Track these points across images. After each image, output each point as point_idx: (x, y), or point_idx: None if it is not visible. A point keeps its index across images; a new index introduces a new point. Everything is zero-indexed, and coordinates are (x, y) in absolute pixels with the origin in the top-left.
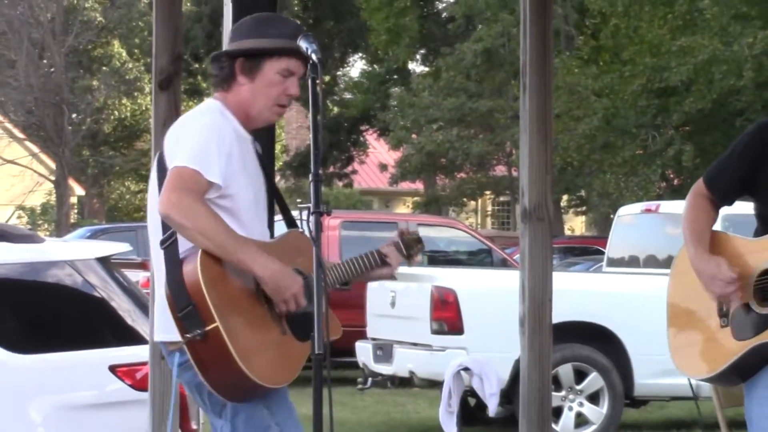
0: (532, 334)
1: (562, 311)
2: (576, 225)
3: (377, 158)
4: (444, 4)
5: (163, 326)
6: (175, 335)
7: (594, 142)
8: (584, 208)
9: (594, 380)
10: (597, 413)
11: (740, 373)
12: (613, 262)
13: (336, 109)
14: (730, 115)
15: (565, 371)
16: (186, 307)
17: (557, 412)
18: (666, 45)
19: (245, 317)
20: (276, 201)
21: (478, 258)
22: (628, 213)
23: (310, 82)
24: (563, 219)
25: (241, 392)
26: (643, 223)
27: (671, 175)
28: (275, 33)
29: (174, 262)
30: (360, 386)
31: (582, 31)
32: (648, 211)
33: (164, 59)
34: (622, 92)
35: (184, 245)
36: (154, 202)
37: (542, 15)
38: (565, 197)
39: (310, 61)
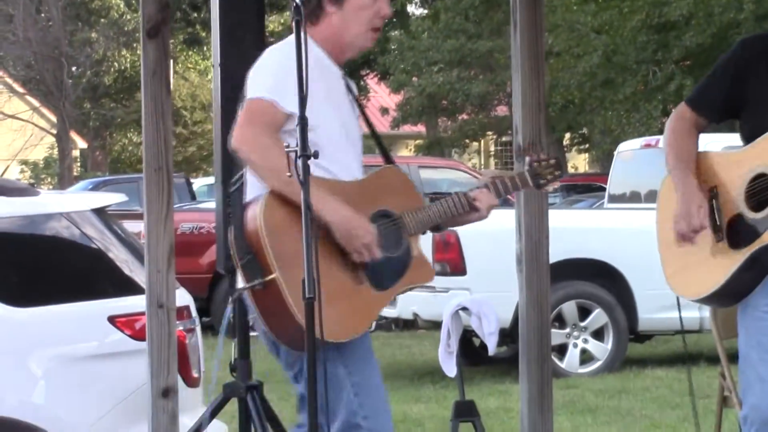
0: (529, 272)
1: (564, 249)
2: (579, 162)
3: (378, 102)
4: None
5: None
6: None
7: (594, 80)
8: (587, 145)
9: (598, 316)
10: (602, 349)
11: (739, 287)
12: (614, 199)
13: None
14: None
15: (569, 308)
16: (246, 255)
17: (562, 349)
18: None
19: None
20: (373, 137)
21: None
22: (628, 149)
23: (294, 24)
24: (566, 157)
25: (298, 341)
26: (644, 159)
27: (672, 110)
28: None
29: (237, 207)
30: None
31: None
32: (648, 146)
33: (152, 7)
34: (621, 28)
35: (251, 189)
36: None
37: None
38: (567, 135)
39: (294, 3)
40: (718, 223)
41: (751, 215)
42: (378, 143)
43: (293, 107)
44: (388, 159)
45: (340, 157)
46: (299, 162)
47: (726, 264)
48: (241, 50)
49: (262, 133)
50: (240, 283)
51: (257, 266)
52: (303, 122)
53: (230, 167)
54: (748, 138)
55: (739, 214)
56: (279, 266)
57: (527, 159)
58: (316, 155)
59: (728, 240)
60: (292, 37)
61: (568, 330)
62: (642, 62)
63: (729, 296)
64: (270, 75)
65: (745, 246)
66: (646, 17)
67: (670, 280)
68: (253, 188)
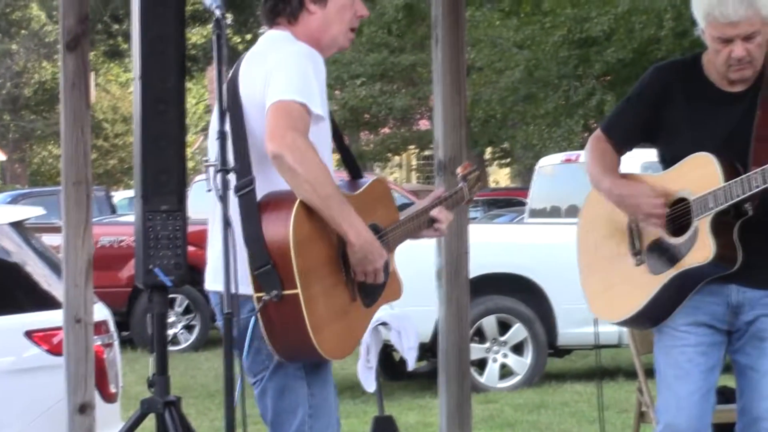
0: (449, 287)
1: (484, 263)
2: (500, 177)
3: None
4: None
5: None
6: (241, 287)
7: (516, 94)
8: (508, 160)
9: (517, 331)
10: (521, 364)
11: (658, 311)
12: (534, 213)
13: None
14: (651, 65)
15: (489, 323)
16: (264, 265)
17: (481, 364)
18: None
19: (323, 284)
20: (335, 141)
21: None
22: (548, 164)
23: (214, 38)
24: (487, 171)
25: (299, 356)
26: (564, 174)
27: (594, 126)
28: None
29: (251, 213)
30: None
31: None
32: (568, 161)
33: (71, 20)
34: (543, 43)
35: (263, 189)
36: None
37: None
38: (489, 149)
39: (215, 18)
40: (638, 247)
41: (671, 240)
42: (341, 151)
43: (318, 108)
44: (356, 168)
45: (328, 156)
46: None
47: (646, 288)
48: (163, 63)
49: (305, 141)
50: (247, 289)
51: (275, 277)
52: (222, 136)
53: (151, 181)
54: (667, 162)
55: (659, 239)
56: (301, 282)
57: (460, 173)
58: (235, 169)
59: (648, 264)
60: (285, 36)
61: (487, 345)
62: (563, 77)
63: (648, 320)
64: (299, 75)
65: (665, 270)
66: (567, 33)
67: (591, 303)
68: (265, 191)
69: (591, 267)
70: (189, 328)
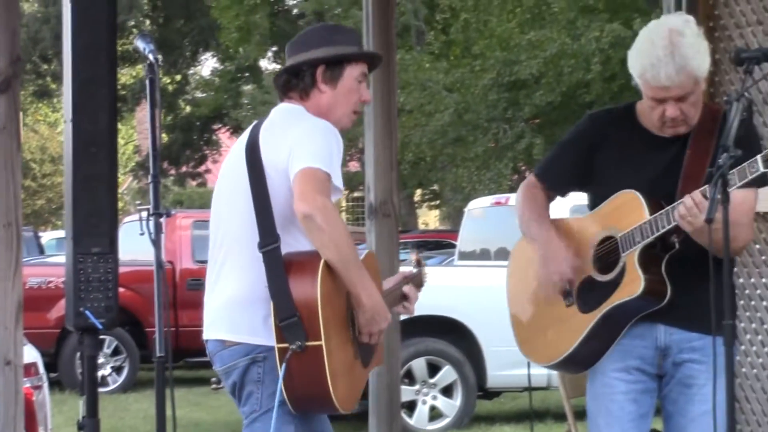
0: None
1: (414, 305)
2: (430, 219)
3: None
4: (294, 1)
5: (230, 325)
6: (244, 335)
7: (446, 137)
8: (438, 202)
9: (447, 373)
10: (451, 406)
11: (589, 353)
12: (464, 256)
13: (188, 108)
14: (579, 108)
15: (419, 365)
16: (290, 317)
17: (411, 406)
18: (515, 39)
19: (339, 338)
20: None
21: None
22: (478, 206)
23: (148, 82)
24: (417, 213)
25: (312, 406)
26: (494, 216)
27: (523, 168)
28: (347, 40)
29: (276, 268)
30: (214, 386)
31: (432, 26)
32: (498, 204)
33: (3, 61)
34: (472, 86)
35: (289, 247)
36: (242, 194)
37: (385, 12)
38: (418, 191)
39: (148, 62)
40: (567, 287)
41: (599, 278)
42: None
43: (339, 182)
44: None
45: None
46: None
47: (576, 328)
48: (94, 105)
49: (332, 204)
50: (269, 340)
51: (301, 330)
52: (156, 180)
53: (82, 223)
54: (595, 206)
55: (588, 277)
56: (325, 334)
57: (414, 259)
58: (169, 213)
59: (578, 304)
60: (303, 111)
61: (417, 387)
62: (493, 120)
63: (579, 363)
64: (324, 147)
65: (596, 308)
66: (497, 76)
67: (522, 345)
68: (288, 248)
69: (521, 310)
70: (118, 369)
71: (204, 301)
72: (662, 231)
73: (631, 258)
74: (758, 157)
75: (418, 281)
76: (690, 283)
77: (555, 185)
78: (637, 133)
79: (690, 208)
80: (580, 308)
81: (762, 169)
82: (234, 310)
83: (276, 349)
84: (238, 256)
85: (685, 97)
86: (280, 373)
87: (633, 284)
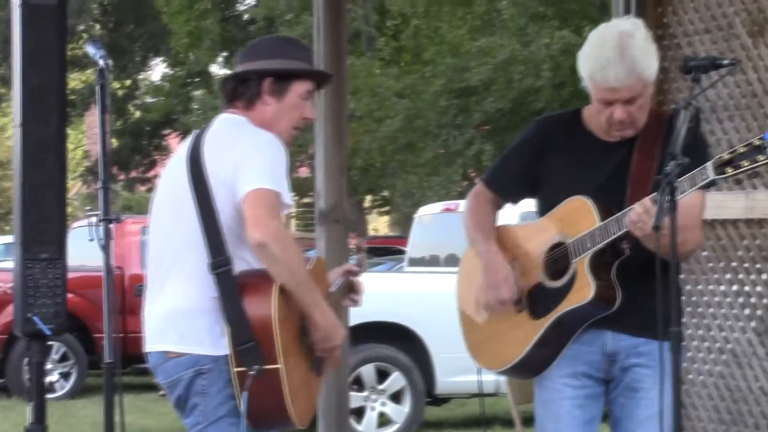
0: None
1: (363, 312)
2: (379, 225)
3: None
4: (245, 7)
5: (173, 336)
6: (189, 346)
7: (396, 143)
8: (387, 208)
9: (396, 380)
10: (399, 412)
11: (538, 359)
12: (414, 262)
13: (138, 114)
14: (530, 115)
15: (368, 371)
16: (247, 342)
17: (360, 412)
18: (466, 45)
19: (295, 358)
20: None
21: None
22: (428, 212)
23: (98, 88)
24: (367, 219)
25: (270, 424)
26: (444, 223)
27: (472, 174)
28: (298, 55)
29: (230, 291)
30: (162, 393)
31: (383, 32)
32: (448, 210)
33: None
34: (423, 92)
35: (239, 267)
36: (185, 206)
37: (336, 19)
38: (368, 198)
39: (98, 67)
40: (518, 293)
41: (550, 283)
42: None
43: (289, 199)
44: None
45: None
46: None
47: (527, 334)
48: (44, 111)
49: (285, 230)
50: (214, 350)
51: (258, 354)
52: (105, 186)
53: (31, 229)
54: (544, 212)
55: (538, 284)
56: (283, 358)
57: (354, 245)
58: (119, 219)
59: (529, 310)
60: (244, 121)
61: (366, 393)
62: (443, 127)
63: (529, 369)
64: (271, 164)
65: (546, 314)
66: (447, 82)
67: (472, 351)
68: (240, 269)
69: (472, 317)
70: (65, 375)
71: (144, 311)
72: (612, 237)
73: (581, 264)
74: (708, 164)
75: (361, 267)
76: (638, 289)
77: (503, 192)
78: (584, 138)
79: (640, 215)
80: (530, 314)
81: (712, 176)
82: (178, 320)
83: (234, 372)
84: (182, 267)
85: (634, 99)
86: (244, 400)
87: (583, 290)
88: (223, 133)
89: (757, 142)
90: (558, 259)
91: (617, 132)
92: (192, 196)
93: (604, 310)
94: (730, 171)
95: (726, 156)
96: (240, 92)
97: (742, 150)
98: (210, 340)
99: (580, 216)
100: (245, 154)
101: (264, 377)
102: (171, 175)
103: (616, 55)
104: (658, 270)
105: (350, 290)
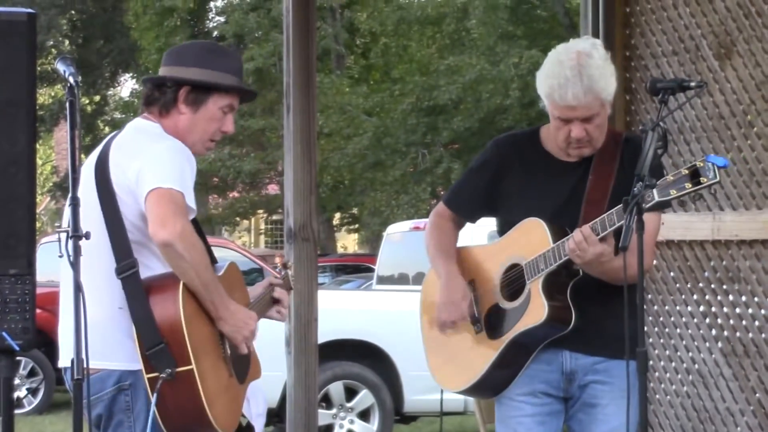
0: (297, 353)
1: (332, 329)
2: (348, 243)
3: None
4: (214, 24)
5: (99, 351)
6: (104, 361)
7: (365, 161)
8: (356, 225)
9: (364, 397)
10: (368, 430)
11: (498, 378)
12: (382, 280)
13: (107, 129)
14: (498, 133)
15: (336, 389)
16: (157, 344)
17: (329, 430)
18: (435, 64)
19: (210, 358)
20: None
21: (250, 277)
22: (396, 231)
23: (68, 104)
24: (335, 237)
25: (188, 431)
26: (412, 241)
27: (441, 193)
28: (223, 67)
29: (137, 295)
30: None
31: (352, 50)
32: (417, 228)
33: None
34: (392, 111)
35: (143, 274)
36: (92, 211)
37: (305, 37)
38: (337, 215)
39: (68, 84)
40: (476, 314)
41: (506, 305)
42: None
43: (192, 203)
44: (211, 254)
45: None
46: (71, 242)
47: (485, 355)
48: (12, 127)
49: (191, 229)
50: (132, 363)
51: (169, 356)
52: (75, 202)
53: None
54: (504, 231)
55: (496, 305)
56: (195, 358)
57: (279, 263)
58: (87, 236)
59: (487, 331)
60: (155, 127)
61: (334, 410)
62: (411, 145)
63: (488, 388)
64: (175, 167)
65: (502, 335)
66: (416, 100)
67: (434, 372)
68: (147, 272)
69: (433, 337)
70: (33, 391)
71: (58, 325)
72: (564, 259)
73: (535, 285)
74: (654, 190)
75: (286, 284)
76: (594, 308)
77: (463, 213)
78: (541, 158)
79: (579, 243)
80: (488, 335)
81: (657, 198)
82: (92, 334)
83: (146, 380)
84: (91, 278)
85: (591, 118)
86: (152, 402)
87: (537, 311)
88: (130, 140)
89: (700, 164)
90: (514, 280)
91: (575, 151)
92: (97, 203)
93: (559, 330)
94: (673, 193)
95: (671, 178)
96: (155, 98)
97: (685, 172)
98: (123, 353)
99: (534, 237)
100: (148, 160)
101: (178, 380)
102: (82, 181)
103: (574, 74)
104: (626, 290)
105: (275, 302)
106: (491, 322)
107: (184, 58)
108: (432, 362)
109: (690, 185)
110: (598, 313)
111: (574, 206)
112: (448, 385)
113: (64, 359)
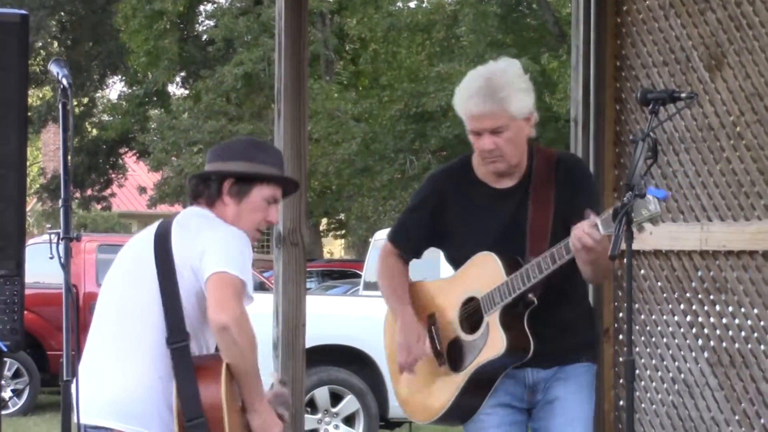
0: (285, 358)
1: (318, 334)
2: (335, 248)
3: (136, 181)
4: (204, 27)
5: (123, 414)
6: (147, 429)
7: (353, 167)
8: (343, 231)
9: (350, 403)
10: None
11: (464, 408)
12: (369, 286)
13: (95, 132)
14: None
15: (321, 394)
16: (196, 418)
17: None
18: (424, 71)
19: None
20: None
21: None
22: (383, 237)
23: (60, 107)
24: (322, 242)
25: None
26: None
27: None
28: (265, 159)
29: (186, 369)
30: None
31: (342, 56)
32: None
33: None
34: (380, 117)
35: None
36: (146, 282)
37: (297, 43)
38: (324, 220)
39: (61, 86)
40: (438, 348)
41: (466, 337)
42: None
43: (252, 293)
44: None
45: None
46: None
47: (449, 387)
48: (4, 128)
49: (247, 316)
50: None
51: (205, 430)
52: (66, 204)
53: None
54: (456, 262)
55: (456, 338)
56: None
57: (278, 380)
58: (78, 238)
59: (450, 363)
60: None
61: (319, 416)
62: (399, 151)
63: (456, 417)
64: (239, 254)
65: (465, 368)
66: (405, 107)
67: (403, 405)
68: (196, 349)
69: (398, 370)
70: (18, 392)
71: (83, 378)
72: (519, 292)
73: (493, 318)
74: (607, 214)
75: (285, 400)
76: (551, 331)
77: (407, 250)
78: (475, 187)
79: (581, 238)
80: (451, 367)
81: (602, 232)
82: (130, 399)
83: None
84: (138, 345)
85: (499, 130)
86: None
87: (496, 344)
88: (193, 221)
89: (641, 194)
90: (472, 313)
91: (489, 165)
92: (155, 275)
93: (519, 359)
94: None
95: (616, 207)
96: (200, 191)
97: (625, 201)
98: (160, 423)
99: (488, 271)
100: (213, 241)
101: None
102: (134, 251)
103: (480, 85)
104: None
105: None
106: (453, 355)
107: (227, 154)
108: (400, 396)
109: (633, 215)
110: (555, 334)
111: (516, 234)
112: (417, 417)
113: (88, 417)
